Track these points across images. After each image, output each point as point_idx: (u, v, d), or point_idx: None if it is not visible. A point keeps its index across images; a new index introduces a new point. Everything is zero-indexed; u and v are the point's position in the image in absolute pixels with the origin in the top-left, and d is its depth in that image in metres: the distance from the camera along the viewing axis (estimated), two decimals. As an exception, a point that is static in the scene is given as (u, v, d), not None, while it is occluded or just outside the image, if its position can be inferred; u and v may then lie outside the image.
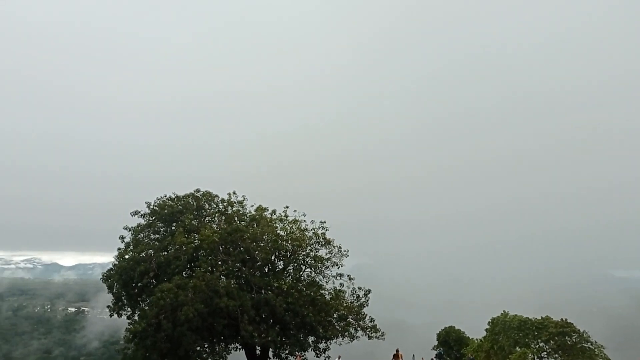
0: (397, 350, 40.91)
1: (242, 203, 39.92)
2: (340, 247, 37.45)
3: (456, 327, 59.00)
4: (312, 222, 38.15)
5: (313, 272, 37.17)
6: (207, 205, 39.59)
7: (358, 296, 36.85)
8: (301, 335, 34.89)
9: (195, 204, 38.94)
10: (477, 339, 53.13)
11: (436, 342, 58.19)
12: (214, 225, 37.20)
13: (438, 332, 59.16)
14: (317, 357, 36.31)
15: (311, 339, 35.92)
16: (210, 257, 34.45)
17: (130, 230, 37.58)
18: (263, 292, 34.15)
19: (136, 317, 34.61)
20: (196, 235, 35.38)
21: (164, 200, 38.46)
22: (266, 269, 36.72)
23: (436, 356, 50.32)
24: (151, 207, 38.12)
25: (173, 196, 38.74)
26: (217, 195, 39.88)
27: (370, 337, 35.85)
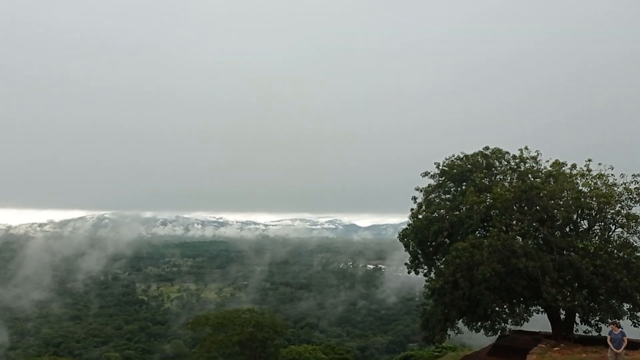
0: None
1: (535, 159, 37.18)
2: (661, 204, 32.00)
3: None
4: (622, 175, 33.41)
5: (625, 232, 32.63)
6: (497, 163, 38.00)
7: (687, 260, 31.06)
8: (614, 301, 31.25)
9: (484, 162, 37.75)
10: None
11: None
12: (506, 184, 35.67)
13: None
14: (635, 326, 32.08)
15: (627, 306, 31.88)
16: (503, 216, 33.14)
17: (421, 191, 38.48)
18: (565, 253, 31.52)
19: (432, 275, 35.68)
20: (488, 194, 34.47)
21: (452, 160, 38.25)
22: (567, 229, 33.70)
23: None
24: (440, 167, 38.37)
25: (461, 155, 38.34)
26: (507, 152, 37.92)
27: None
